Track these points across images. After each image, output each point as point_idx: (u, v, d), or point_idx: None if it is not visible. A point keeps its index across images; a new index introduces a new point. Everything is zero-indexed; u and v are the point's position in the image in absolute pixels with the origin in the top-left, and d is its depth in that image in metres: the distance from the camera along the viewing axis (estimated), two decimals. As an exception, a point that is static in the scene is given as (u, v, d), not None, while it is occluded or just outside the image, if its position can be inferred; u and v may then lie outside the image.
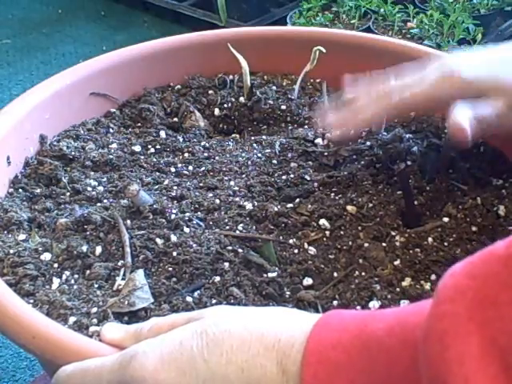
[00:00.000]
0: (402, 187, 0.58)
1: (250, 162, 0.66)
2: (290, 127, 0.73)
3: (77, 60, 1.52)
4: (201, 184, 0.63)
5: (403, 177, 0.57)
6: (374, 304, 0.49)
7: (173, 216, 0.58)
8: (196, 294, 0.51)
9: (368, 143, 0.67)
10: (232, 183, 0.63)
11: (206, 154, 0.68)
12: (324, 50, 0.72)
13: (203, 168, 0.65)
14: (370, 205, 0.59)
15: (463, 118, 0.53)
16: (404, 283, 0.52)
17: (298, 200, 0.61)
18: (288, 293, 0.51)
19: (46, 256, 0.55)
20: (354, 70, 0.76)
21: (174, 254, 0.54)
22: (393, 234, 0.56)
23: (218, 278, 0.52)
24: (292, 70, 0.80)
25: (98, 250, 0.55)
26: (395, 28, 1.63)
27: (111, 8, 1.97)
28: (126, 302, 0.49)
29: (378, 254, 0.53)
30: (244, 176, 0.64)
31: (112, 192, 0.62)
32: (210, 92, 0.78)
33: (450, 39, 1.56)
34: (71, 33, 1.86)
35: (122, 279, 0.52)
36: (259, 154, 0.67)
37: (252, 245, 0.55)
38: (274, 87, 0.78)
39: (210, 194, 0.61)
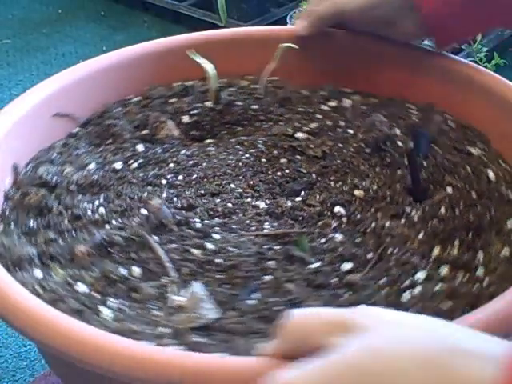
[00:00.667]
0: (410, 165, 0.61)
1: (240, 164, 0.66)
2: (265, 125, 0.72)
3: (77, 60, 1.51)
4: (201, 191, 0.62)
5: (412, 155, 0.60)
6: (419, 276, 0.51)
7: (198, 225, 0.57)
8: (255, 295, 0.51)
9: (350, 131, 0.69)
10: (233, 186, 0.63)
11: (191, 162, 0.66)
12: (296, 47, 0.72)
13: (195, 176, 0.65)
14: (375, 187, 0.61)
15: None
16: (435, 252, 0.54)
17: (303, 193, 0.62)
18: (335, 280, 0.52)
19: (81, 287, 0.52)
20: (308, 65, 0.76)
21: (218, 261, 0.53)
22: (407, 210, 0.58)
23: (268, 277, 0.52)
24: (248, 70, 0.78)
25: (136, 270, 0.53)
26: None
27: (111, 8, 1.97)
28: (198, 316, 0.48)
29: (402, 230, 0.55)
30: (241, 177, 0.64)
31: (117, 212, 0.60)
32: (173, 100, 0.75)
33: (450, 39, 1.56)
34: (71, 33, 1.86)
35: (178, 295, 0.50)
36: (246, 155, 0.67)
37: (285, 240, 0.56)
38: (236, 88, 0.76)
39: (218, 200, 0.61)
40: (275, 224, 0.58)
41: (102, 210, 0.60)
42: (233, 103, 0.73)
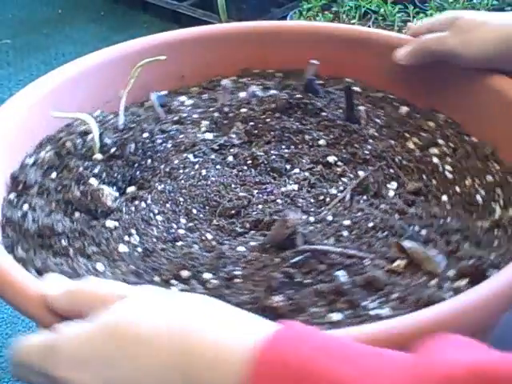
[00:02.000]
0: (347, 98, 0.69)
1: (213, 178, 0.63)
2: (170, 145, 0.66)
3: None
4: (232, 212, 0.59)
5: (348, 90, 0.69)
6: (434, 152, 0.66)
7: (328, 218, 0.57)
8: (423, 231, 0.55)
9: (244, 110, 0.70)
10: (243, 194, 0.60)
11: (168, 205, 0.60)
12: (162, 58, 0.68)
13: (195, 210, 0.59)
14: (325, 132, 0.67)
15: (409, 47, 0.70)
16: (411, 145, 0.67)
17: (288, 166, 0.64)
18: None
19: None
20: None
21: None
22: (365, 132, 0.67)
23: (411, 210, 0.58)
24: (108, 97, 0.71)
25: (342, 273, 0.52)
26: (395, 28, 1.63)
27: (111, 8, 1.97)
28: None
29: (385, 144, 0.66)
30: (234, 186, 0.61)
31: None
32: (54, 175, 0.63)
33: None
34: (71, 33, 1.86)
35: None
36: (203, 172, 0.63)
37: (361, 190, 0.61)
38: (109, 128, 0.68)
39: (263, 206, 0.59)
40: (330, 186, 0.62)
41: (214, 281, 0.52)
42: (123, 144, 0.65)
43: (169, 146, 0.67)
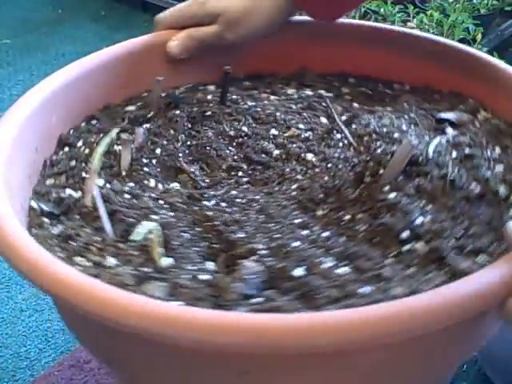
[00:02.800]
0: (223, 82, 0.72)
1: (257, 197, 0.58)
2: (171, 213, 0.58)
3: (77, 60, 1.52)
4: (319, 194, 0.57)
5: (226, 76, 0.72)
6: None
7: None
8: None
9: (158, 151, 0.64)
10: (296, 185, 0.56)
11: (277, 230, 0.55)
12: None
13: (297, 220, 0.55)
14: (233, 123, 0.68)
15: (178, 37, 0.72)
16: (291, 91, 0.73)
17: (263, 155, 0.63)
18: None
19: None
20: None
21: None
22: (249, 104, 0.71)
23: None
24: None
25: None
26: (395, 28, 1.63)
27: (111, 8, 1.97)
28: None
29: (274, 105, 0.70)
30: (276, 188, 0.59)
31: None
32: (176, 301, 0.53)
33: (449, 39, 1.56)
34: (71, 33, 1.86)
35: None
36: (241, 200, 0.58)
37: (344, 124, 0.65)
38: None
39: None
40: (322, 138, 0.64)
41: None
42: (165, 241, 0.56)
43: (171, 214, 0.57)
